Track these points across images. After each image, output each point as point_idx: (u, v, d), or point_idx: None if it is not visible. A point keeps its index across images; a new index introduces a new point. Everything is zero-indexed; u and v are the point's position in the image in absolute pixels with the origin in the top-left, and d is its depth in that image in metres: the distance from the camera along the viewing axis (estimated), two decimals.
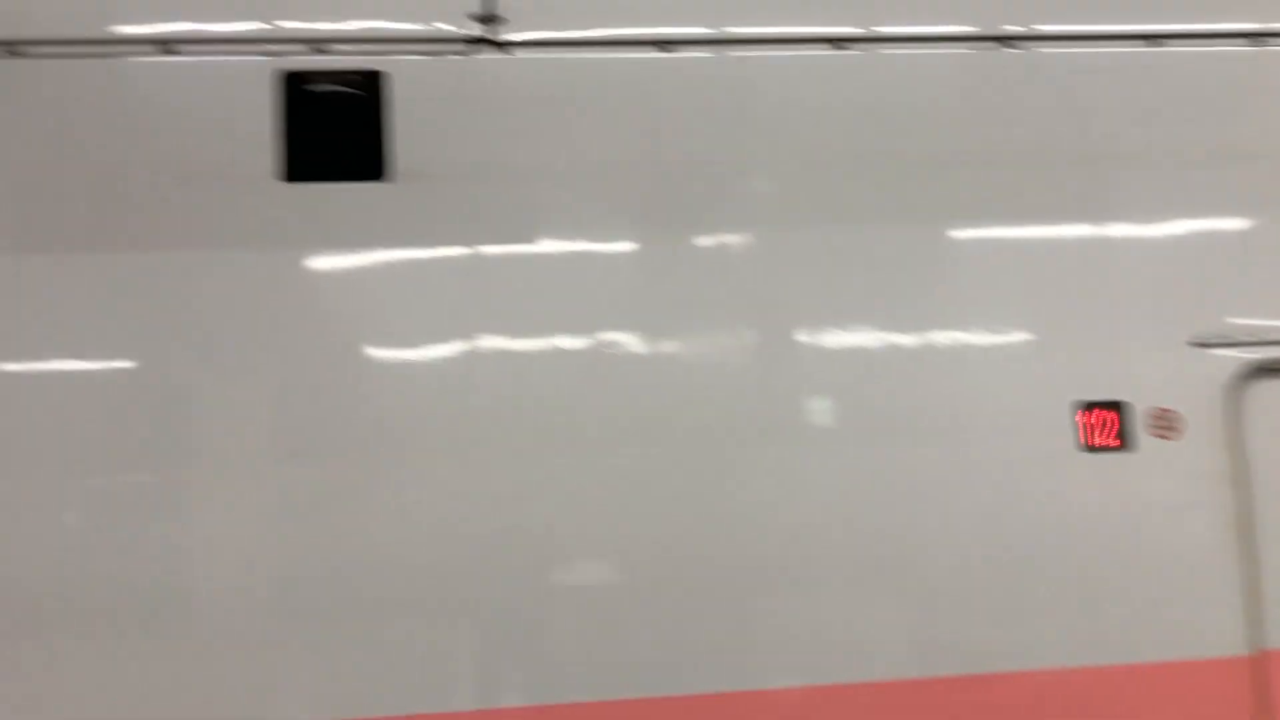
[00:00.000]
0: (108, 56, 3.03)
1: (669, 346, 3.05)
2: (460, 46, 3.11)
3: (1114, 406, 3.10)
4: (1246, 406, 3.16)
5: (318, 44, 3.07)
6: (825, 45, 3.21)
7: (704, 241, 3.11)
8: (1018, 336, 3.14)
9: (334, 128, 3.13)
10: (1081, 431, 3.09)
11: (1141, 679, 3.02)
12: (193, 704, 2.79)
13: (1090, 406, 3.10)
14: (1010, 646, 3.01)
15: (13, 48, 2.98)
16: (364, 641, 2.85)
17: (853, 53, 3.21)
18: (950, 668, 2.99)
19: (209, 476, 2.90)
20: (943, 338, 3.11)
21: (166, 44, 3.03)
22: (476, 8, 3.12)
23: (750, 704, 2.93)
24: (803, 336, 3.08)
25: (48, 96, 2.99)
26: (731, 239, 3.12)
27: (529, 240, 3.06)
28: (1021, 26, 3.28)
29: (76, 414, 2.87)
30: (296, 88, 3.08)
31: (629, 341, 3.03)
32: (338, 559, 2.87)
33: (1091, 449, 3.09)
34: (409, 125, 3.05)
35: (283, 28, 3.08)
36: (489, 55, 3.12)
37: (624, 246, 3.11)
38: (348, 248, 3.01)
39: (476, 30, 3.11)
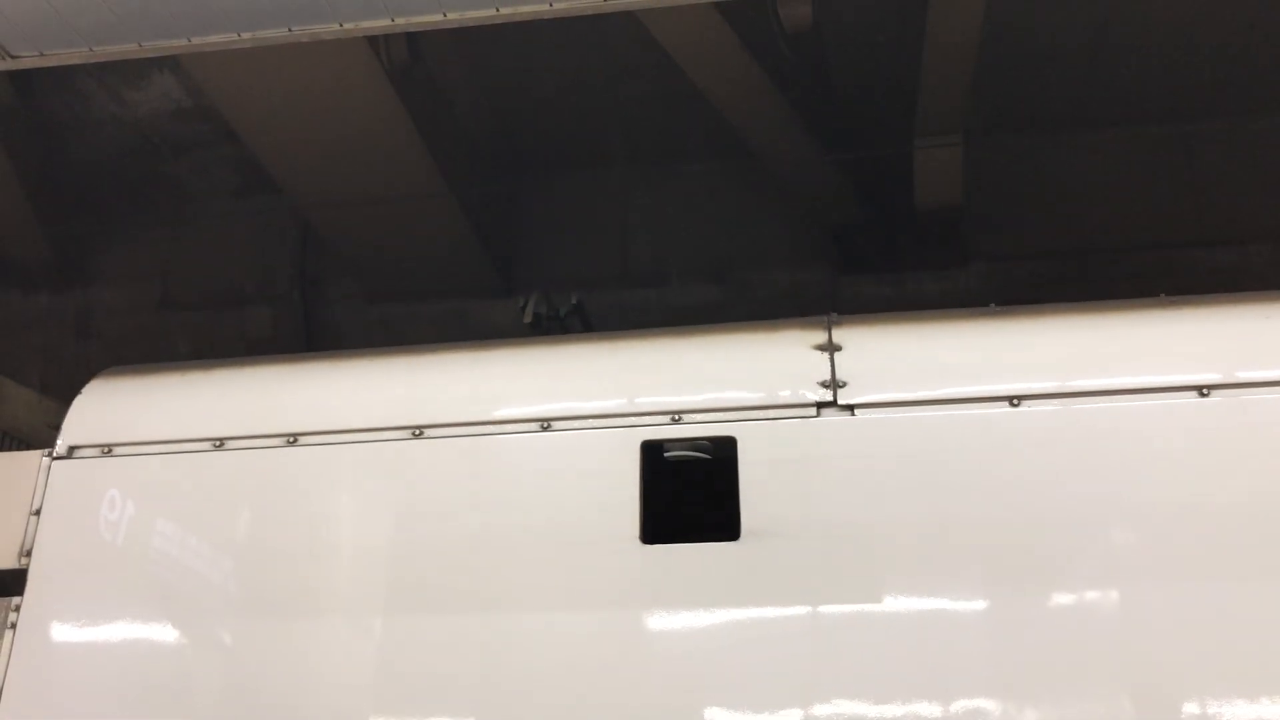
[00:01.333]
0: (493, 435, 3.40)
1: (1029, 715, 2.83)
2: (806, 411, 3.25)
3: None
4: None
5: (677, 415, 3.31)
6: (1190, 393, 3.09)
7: (1061, 600, 2.94)
8: None
9: (689, 491, 3.32)
10: None
11: None
12: None
13: None
14: None
15: (417, 431, 3.42)
16: None
17: (1214, 399, 3.07)
18: None
19: None
20: None
21: (544, 422, 3.37)
22: (824, 376, 3.28)
23: None
24: (1183, 705, 2.78)
25: (440, 470, 3.36)
26: (1091, 597, 2.93)
27: (876, 599, 3.01)
28: None
29: None
30: (655, 455, 3.30)
31: (983, 708, 2.85)
32: None
33: None
34: (757, 486, 3.17)
35: (644, 403, 3.35)
36: (835, 417, 3.23)
37: (975, 605, 2.98)
38: (700, 606, 3.07)
39: (822, 395, 3.25)
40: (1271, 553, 2.89)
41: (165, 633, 3.29)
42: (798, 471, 3.18)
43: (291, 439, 3.46)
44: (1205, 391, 3.08)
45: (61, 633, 3.32)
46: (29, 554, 3.42)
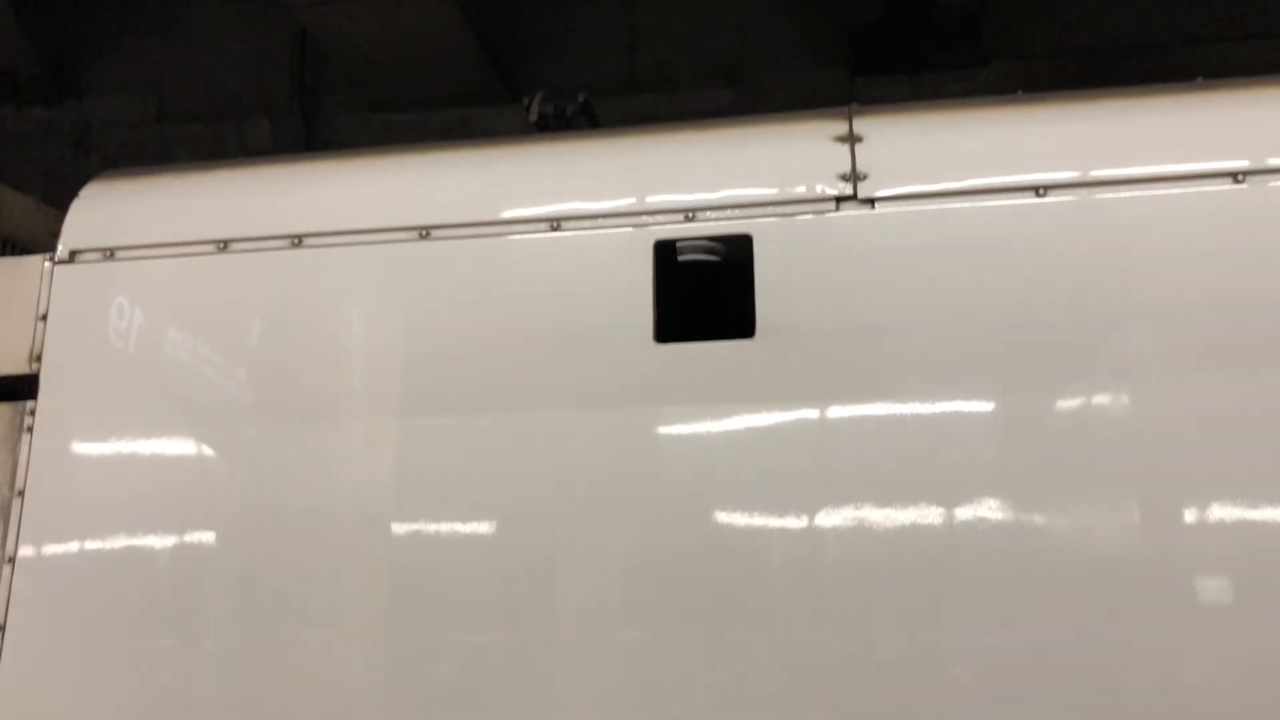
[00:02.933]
0: (501, 235, 3.32)
1: (1039, 518, 2.81)
2: (825, 205, 3.15)
3: None
4: None
5: (690, 212, 3.22)
6: (1224, 180, 2.96)
7: (1082, 399, 2.88)
8: None
9: (704, 289, 3.25)
10: None
11: None
12: None
13: None
14: None
15: (424, 232, 3.34)
16: None
17: (1248, 186, 2.96)
18: None
19: (565, 636, 2.97)
20: None
21: (553, 221, 3.29)
22: (843, 168, 3.17)
23: None
24: (1192, 508, 2.76)
25: (449, 273, 3.30)
26: (1116, 394, 2.88)
27: (892, 399, 2.97)
28: None
29: (454, 570, 3.05)
30: (668, 254, 3.23)
31: (994, 509, 2.84)
32: None
33: None
34: (773, 284, 3.10)
35: (657, 201, 3.25)
36: (853, 211, 3.14)
37: (994, 403, 2.94)
38: (715, 404, 3.04)
39: (842, 189, 3.15)
40: None
41: (181, 436, 3.30)
42: (815, 268, 3.10)
43: (296, 240, 3.38)
44: (1240, 178, 2.96)
45: (78, 435, 3.33)
46: (39, 359, 3.40)
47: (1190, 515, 2.76)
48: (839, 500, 2.91)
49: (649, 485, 3.02)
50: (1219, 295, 2.88)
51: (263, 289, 3.38)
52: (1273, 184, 2.94)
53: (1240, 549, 2.71)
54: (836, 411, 3.00)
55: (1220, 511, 2.74)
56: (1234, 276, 2.89)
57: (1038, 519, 2.81)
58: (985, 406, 2.95)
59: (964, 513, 2.85)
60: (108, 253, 3.47)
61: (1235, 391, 2.81)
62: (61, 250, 3.50)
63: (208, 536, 3.19)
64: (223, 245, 3.42)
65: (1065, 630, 2.73)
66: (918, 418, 2.95)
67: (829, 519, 2.90)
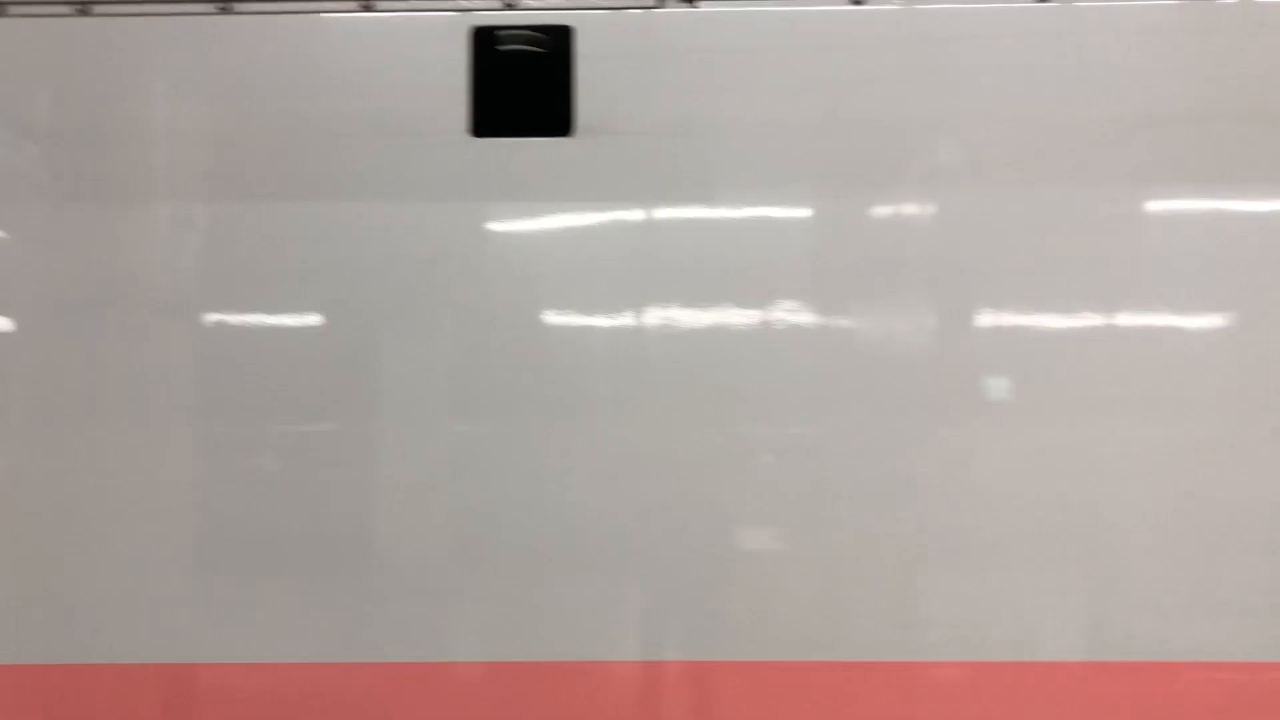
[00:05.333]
0: (309, 13, 3.14)
1: (845, 320, 2.99)
2: (648, 1, 3.09)
3: None
4: None
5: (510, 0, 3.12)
6: None
7: (890, 206, 3.03)
8: (1222, 318, 2.97)
9: (522, 83, 3.18)
10: None
11: None
12: (372, 641, 2.97)
13: None
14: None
15: (225, 6, 3.13)
16: (531, 590, 2.97)
17: (1052, 4, 3.03)
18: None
19: (388, 429, 3.02)
20: (1147, 318, 2.96)
21: (365, 0, 3.13)
22: None
23: (906, 675, 2.93)
24: (987, 310, 2.97)
25: (252, 50, 3.13)
26: (922, 202, 3.03)
27: (709, 201, 3.05)
28: None
29: (269, 364, 3.04)
30: (486, 43, 3.13)
31: (805, 309, 3.00)
32: (512, 514, 2.97)
33: None
34: (595, 80, 3.06)
35: None
36: (676, 9, 3.09)
37: (807, 208, 3.06)
38: (531, 203, 3.06)
39: None
40: (1101, 157, 2.99)
41: None
42: (636, 66, 3.08)
43: (82, 8, 3.14)
44: None
45: None
46: None
47: (987, 319, 2.98)
48: (655, 299, 3.01)
49: (463, 278, 3.04)
50: (1027, 109, 3.01)
51: (48, 60, 3.14)
52: (1073, 4, 3.02)
53: (1030, 352, 2.95)
54: (654, 212, 3.05)
55: (1015, 317, 2.97)
56: (1043, 92, 3.01)
57: (845, 321, 3.00)
58: (801, 211, 3.06)
59: (777, 312, 2.99)
60: None
61: (1039, 202, 2.99)
62: None
63: (2, 322, 3.09)
64: None
65: (866, 424, 2.95)
66: (733, 220, 3.04)
67: (646, 318, 3.01)
